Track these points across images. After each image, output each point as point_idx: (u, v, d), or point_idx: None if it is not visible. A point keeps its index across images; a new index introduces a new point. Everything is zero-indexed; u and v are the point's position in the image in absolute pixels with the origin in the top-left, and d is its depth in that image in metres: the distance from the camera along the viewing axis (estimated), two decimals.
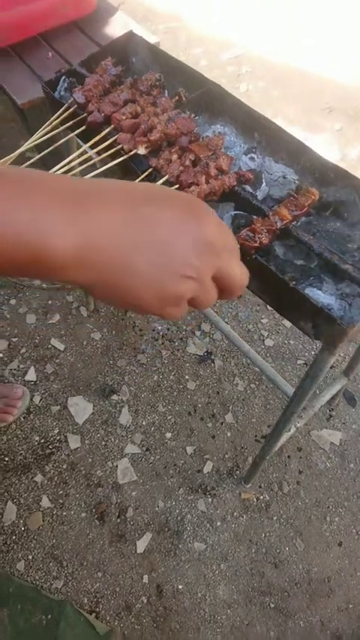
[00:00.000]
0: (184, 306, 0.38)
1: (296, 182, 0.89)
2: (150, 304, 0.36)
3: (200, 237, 0.36)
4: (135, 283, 0.35)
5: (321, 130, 2.49)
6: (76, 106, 0.97)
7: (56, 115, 0.96)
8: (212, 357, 1.82)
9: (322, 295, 0.78)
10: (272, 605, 1.42)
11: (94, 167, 0.91)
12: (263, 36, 2.89)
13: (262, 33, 2.90)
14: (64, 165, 0.84)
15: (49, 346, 1.82)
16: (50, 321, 1.88)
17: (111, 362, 1.81)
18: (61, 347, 1.82)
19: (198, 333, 1.88)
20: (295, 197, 0.84)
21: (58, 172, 0.86)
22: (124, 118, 0.91)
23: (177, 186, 0.86)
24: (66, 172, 0.87)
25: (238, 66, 2.77)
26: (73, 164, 0.85)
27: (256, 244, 0.77)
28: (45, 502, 1.53)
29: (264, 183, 0.93)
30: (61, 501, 1.54)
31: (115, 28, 1.74)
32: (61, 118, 0.96)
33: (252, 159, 0.97)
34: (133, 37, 1.09)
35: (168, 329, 1.88)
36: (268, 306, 1.87)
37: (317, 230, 0.87)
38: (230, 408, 1.72)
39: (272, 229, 0.79)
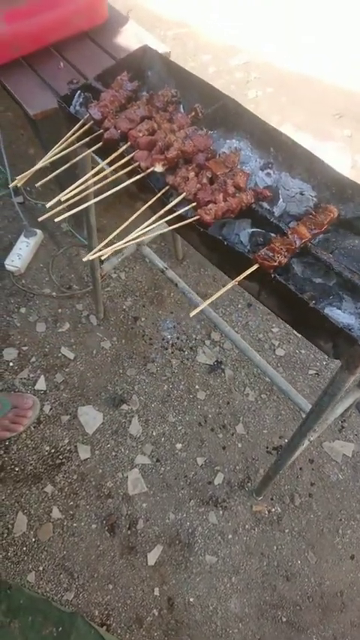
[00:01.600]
0: None
1: (314, 199, 0.89)
2: None
3: None
4: None
5: (331, 137, 2.48)
6: (91, 122, 0.97)
7: (72, 131, 0.96)
8: (222, 366, 1.81)
9: (342, 315, 0.77)
10: (284, 619, 1.41)
11: (108, 185, 0.91)
12: (271, 42, 2.88)
13: (271, 39, 2.90)
14: (81, 184, 0.84)
15: (59, 355, 1.82)
16: (60, 330, 1.88)
17: (121, 371, 1.80)
18: (71, 356, 1.82)
19: (208, 342, 1.87)
20: (313, 215, 0.83)
21: (74, 192, 0.86)
22: (140, 135, 0.91)
23: (194, 204, 0.85)
24: (81, 192, 0.86)
25: (247, 72, 2.77)
26: (88, 183, 0.84)
27: (275, 264, 0.76)
28: (55, 513, 1.53)
29: (281, 199, 0.92)
30: (71, 512, 1.53)
31: (126, 37, 1.75)
32: (77, 134, 0.96)
33: (268, 174, 0.96)
34: (148, 51, 1.09)
35: (178, 337, 1.88)
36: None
37: (336, 247, 0.87)
38: (241, 418, 1.71)
39: (291, 248, 0.78)
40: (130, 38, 1.74)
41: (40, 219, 0.84)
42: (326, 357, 1.84)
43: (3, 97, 1.74)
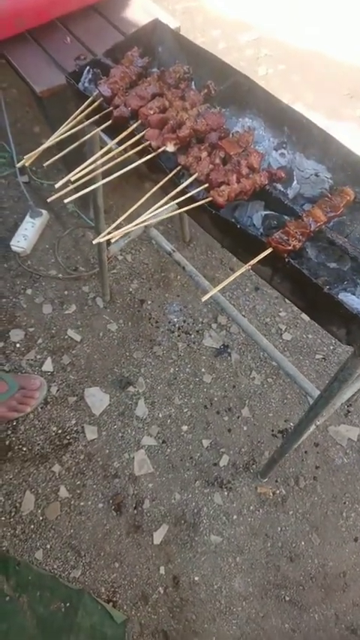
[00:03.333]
0: None
1: (330, 181, 0.87)
2: None
3: None
4: None
5: (342, 117, 2.42)
6: (101, 99, 0.94)
7: (81, 109, 0.93)
8: (229, 350, 1.81)
9: (356, 300, 0.76)
10: (287, 599, 1.43)
11: (117, 165, 0.89)
12: (283, 18, 2.80)
13: (282, 15, 2.81)
14: (90, 164, 0.82)
15: (66, 337, 1.82)
16: (66, 312, 1.87)
17: (127, 354, 1.80)
18: (78, 338, 1.82)
19: (214, 325, 1.86)
20: (329, 197, 0.81)
21: (83, 172, 0.84)
22: (151, 112, 0.88)
23: (206, 185, 0.83)
24: (90, 172, 0.84)
25: (257, 49, 2.69)
26: (97, 163, 0.82)
27: (289, 248, 0.75)
28: (63, 492, 1.55)
29: (295, 181, 0.90)
30: (78, 492, 1.55)
31: (134, 11, 1.69)
32: (86, 112, 0.93)
33: (282, 155, 0.94)
34: (158, 26, 1.05)
35: (184, 321, 1.87)
36: (286, 299, 1.86)
37: (351, 231, 0.85)
38: (247, 401, 1.71)
39: (306, 232, 0.76)
40: (138, 11, 1.68)
41: (49, 200, 0.83)
42: (333, 341, 1.83)
43: (7, 72, 1.70)
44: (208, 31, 2.78)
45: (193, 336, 1.84)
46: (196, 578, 1.45)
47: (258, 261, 0.78)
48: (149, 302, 1.91)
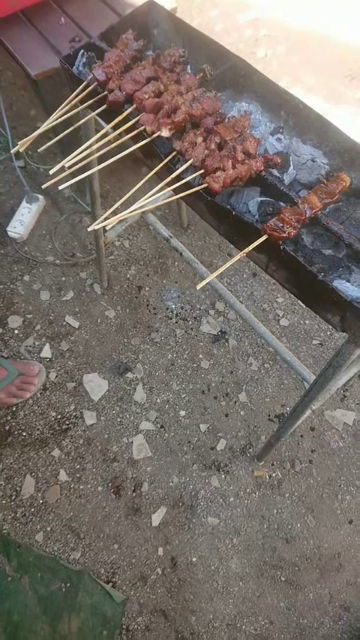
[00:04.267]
0: None
1: (326, 167, 0.86)
2: None
3: None
4: None
5: (342, 99, 2.39)
6: (95, 83, 0.93)
7: (75, 93, 0.92)
8: (226, 336, 1.82)
9: (351, 287, 0.76)
10: (283, 579, 1.47)
11: (112, 150, 0.88)
12: None
13: None
14: (85, 149, 0.82)
15: (64, 323, 1.83)
16: (64, 298, 1.88)
17: (125, 340, 1.81)
18: (76, 324, 1.83)
19: (212, 312, 1.87)
20: (325, 183, 0.81)
21: (78, 157, 0.83)
22: (146, 97, 0.87)
23: (202, 171, 0.83)
24: (85, 157, 0.84)
25: (256, 29, 2.64)
26: (92, 148, 0.82)
27: (284, 235, 0.75)
28: (62, 476, 1.57)
29: (291, 167, 0.89)
30: (78, 475, 1.58)
31: None
32: (81, 96, 0.92)
33: (279, 140, 0.93)
34: (154, 7, 1.03)
35: (182, 307, 1.87)
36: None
37: (346, 217, 0.85)
38: (244, 387, 1.73)
39: (301, 219, 0.76)
40: None
41: (43, 186, 0.82)
42: (330, 327, 1.84)
43: (1, 55, 1.67)
44: (206, 11, 2.72)
45: (190, 322, 1.85)
46: (194, 559, 1.48)
47: (253, 249, 0.78)
48: (147, 288, 1.91)
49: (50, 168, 0.86)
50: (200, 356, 1.78)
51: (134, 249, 1.99)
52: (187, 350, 1.79)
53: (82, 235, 2.01)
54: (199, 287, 0.73)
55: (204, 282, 0.74)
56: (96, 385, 1.72)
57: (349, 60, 2.52)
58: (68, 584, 1.41)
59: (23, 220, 1.95)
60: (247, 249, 0.77)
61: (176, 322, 1.84)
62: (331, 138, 0.90)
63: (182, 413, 1.69)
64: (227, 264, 0.75)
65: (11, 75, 2.35)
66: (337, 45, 2.56)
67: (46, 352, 1.77)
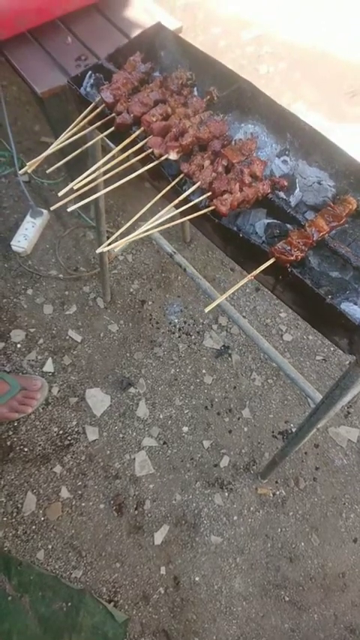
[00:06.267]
0: None
1: (332, 189, 0.87)
2: None
3: None
4: None
5: (345, 116, 2.41)
6: (103, 105, 0.94)
7: (83, 115, 0.93)
8: (229, 351, 1.81)
9: (359, 310, 0.76)
10: (287, 599, 1.45)
11: (120, 171, 0.88)
12: (284, 15, 2.78)
13: (284, 11, 2.79)
14: (93, 172, 0.82)
15: (67, 337, 1.83)
16: (67, 312, 1.88)
17: (128, 354, 1.81)
18: (78, 338, 1.82)
19: (215, 326, 1.87)
20: (332, 206, 0.81)
21: (86, 180, 0.84)
22: (154, 120, 0.88)
23: (209, 193, 0.83)
24: (92, 181, 0.84)
25: (259, 46, 2.68)
26: (100, 171, 0.82)
27: (292, 258, 0.75)
28: (64, 493, 1.56)
29: (297, 189, 0.90)
30: (79, 492, 1.56)
31: (135, 10, 1.68)
32: (89, 117, 0.93)
33: (285, 162, 0.93)
34: (161, 30, 1.05)
35: (185, 322, 1.87)
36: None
37: (353, 239, 0.85)
38: (247, 403, 1.72)
39: (309, 242, 0.77)
40: (139, 11, 1.67)
41: (52, 208, 0.82)
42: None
43: (6, 70, 1.69)
44: (209, 29, 2.76)
45: (193, 337, 1.84)
46: (197, 579, 1.46)
47: (261, 271, 0.78)
48: (150, 303, 1.91)
49: (54, 183, 0.87)
50: (203, 371, 1.78)
51: (137, 264, 2.00)
52: (190, 365, 1.79)
53: (86, 249, 2.02)
54: (207, 310, 0.73)
55: (213, 305, 0.74)
56: (98, 400, 1.72)
57: (350, 77, 2.55)
58: (69, 604, 1.39)
59: (27, 234, 1.96)
60: (254, 272, 0.77)
61: (179, 337, 1.84)
62: (337, 160, 0.91)
63: (185, 429, 1.68)
64: (236, 287, 0.76)
65: (16, 90, 2.37)
66: (338, 62, 2.59)
67: (49, 366, 1.76)
